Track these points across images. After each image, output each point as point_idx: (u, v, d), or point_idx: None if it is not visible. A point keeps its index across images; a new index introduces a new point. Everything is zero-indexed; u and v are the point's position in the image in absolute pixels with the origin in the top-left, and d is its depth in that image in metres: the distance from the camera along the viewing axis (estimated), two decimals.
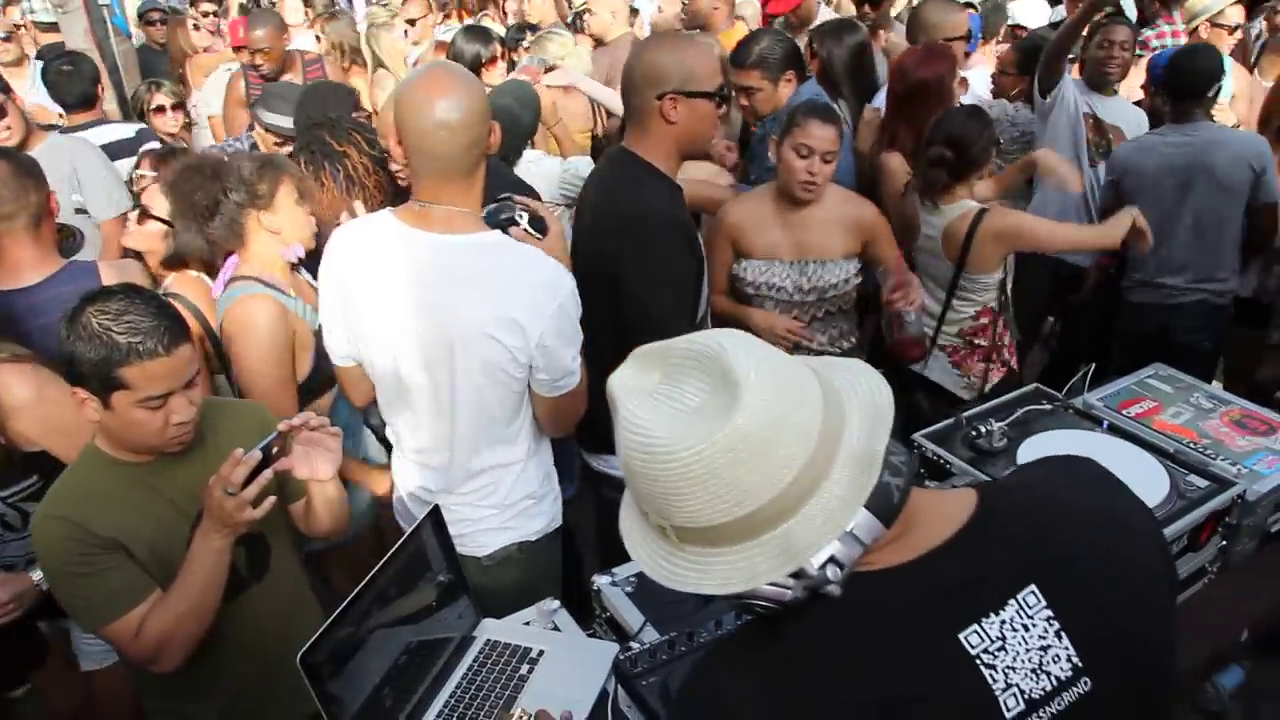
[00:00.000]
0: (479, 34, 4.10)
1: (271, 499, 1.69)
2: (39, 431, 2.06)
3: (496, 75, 3.81)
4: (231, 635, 1.84)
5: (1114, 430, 2.23)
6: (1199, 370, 3.31)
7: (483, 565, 2.08)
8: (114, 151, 3.75)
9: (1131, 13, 4.45)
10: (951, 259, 2.94)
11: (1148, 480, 2.04)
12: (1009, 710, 0.95)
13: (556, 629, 1.92)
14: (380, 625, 1.67)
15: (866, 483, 0.92)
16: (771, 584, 0.92)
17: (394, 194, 2.73)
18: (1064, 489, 1.11)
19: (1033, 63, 3.75)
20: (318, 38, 5.09)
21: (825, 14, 4.63)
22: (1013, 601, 0.97)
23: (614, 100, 3.34)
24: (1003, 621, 0.97)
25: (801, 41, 3.62)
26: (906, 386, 3.19)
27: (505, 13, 6.30)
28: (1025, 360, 4.00)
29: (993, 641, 0.96)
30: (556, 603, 1.97)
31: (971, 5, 4.56)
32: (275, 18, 4.69)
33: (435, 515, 1.84)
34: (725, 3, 4.52)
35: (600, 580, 1.91)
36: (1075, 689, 0.98)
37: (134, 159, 3.58)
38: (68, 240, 2.83)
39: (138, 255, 2.75)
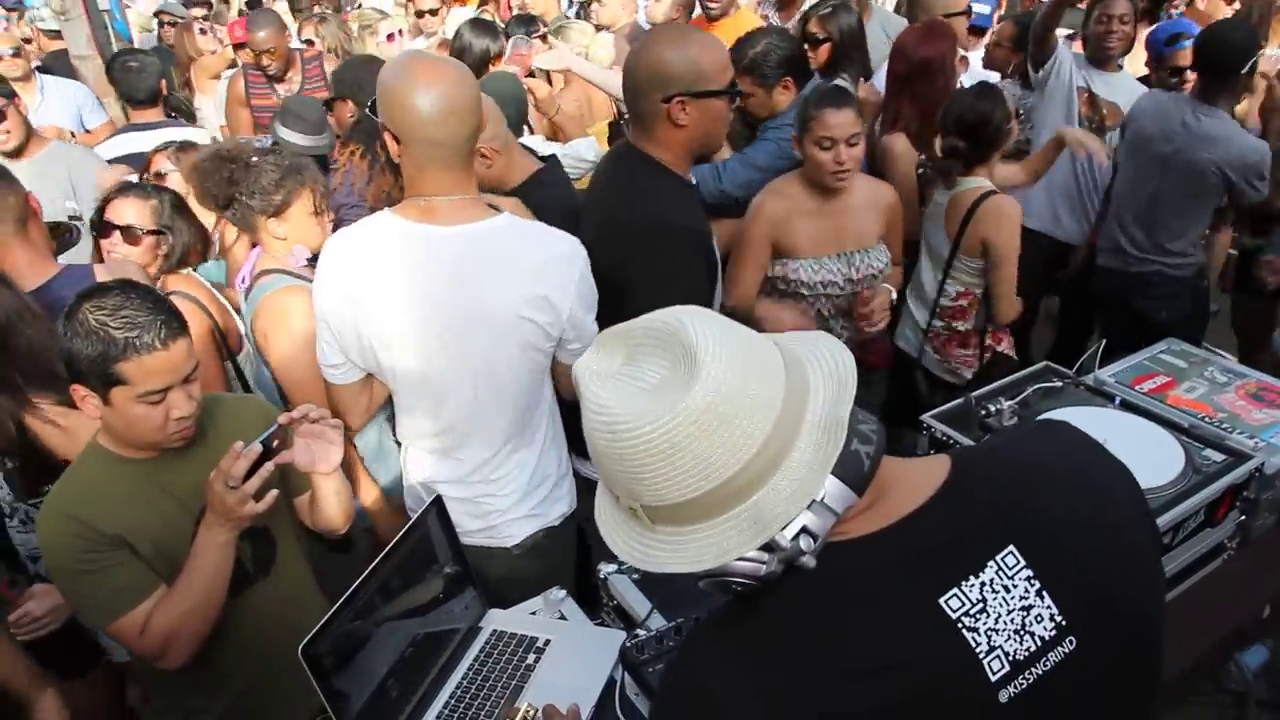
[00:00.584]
0: (487, 28, 4.07)
1: (274, 492, 1.68)
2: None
3: None
4: (238, 630, 1.83)
5: (1126, 406, 2.19)
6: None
7: (512, 555, 2.07)
8: None
9: None
10: (949, 233, 2.91)
11: (1162, 456, 2.00)
12: (994, 673, 0.93)
13: (563, 618, 1.90)
14: (385, 618, 1.66)
15: (833, 450, 0.91)
16: (746, 560, 0.91)
17: None
18: (1039, 452, 1.09)
19: (1028, 38, 3.71)
20: (310, 41, 5.07)
21: None
22: (992, 563, 0.96)
23: (614, 82, 3.28)
24: (983, 584, 0.95)
25: (790, 23, 3.56)
26: (908, 369, 3.18)
27: (510, 6, 6.27)
28: (1030, 339, 3.97)
29: (973, 604, 0.94)
30: (563, 592, 1.95)
31: None
32: (275, 18, 4.70)
33: (439, 506, 1.82)
34: None
35: (606, 569, 1.89)
36: (1060, 648, 0.96)
37: None
38: (65, 236, 2.82)
39: None
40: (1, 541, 2.23)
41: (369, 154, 2.92)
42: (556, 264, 1.89)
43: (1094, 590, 0.99)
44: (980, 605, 0.94)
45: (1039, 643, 0.95)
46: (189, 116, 4.44)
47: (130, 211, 2.58)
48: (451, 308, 1.85)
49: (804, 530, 0.90)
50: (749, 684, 0.93)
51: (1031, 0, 6.12)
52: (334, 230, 2.71)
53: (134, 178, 3.12)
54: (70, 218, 3.28)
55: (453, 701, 1.71)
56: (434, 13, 5.35)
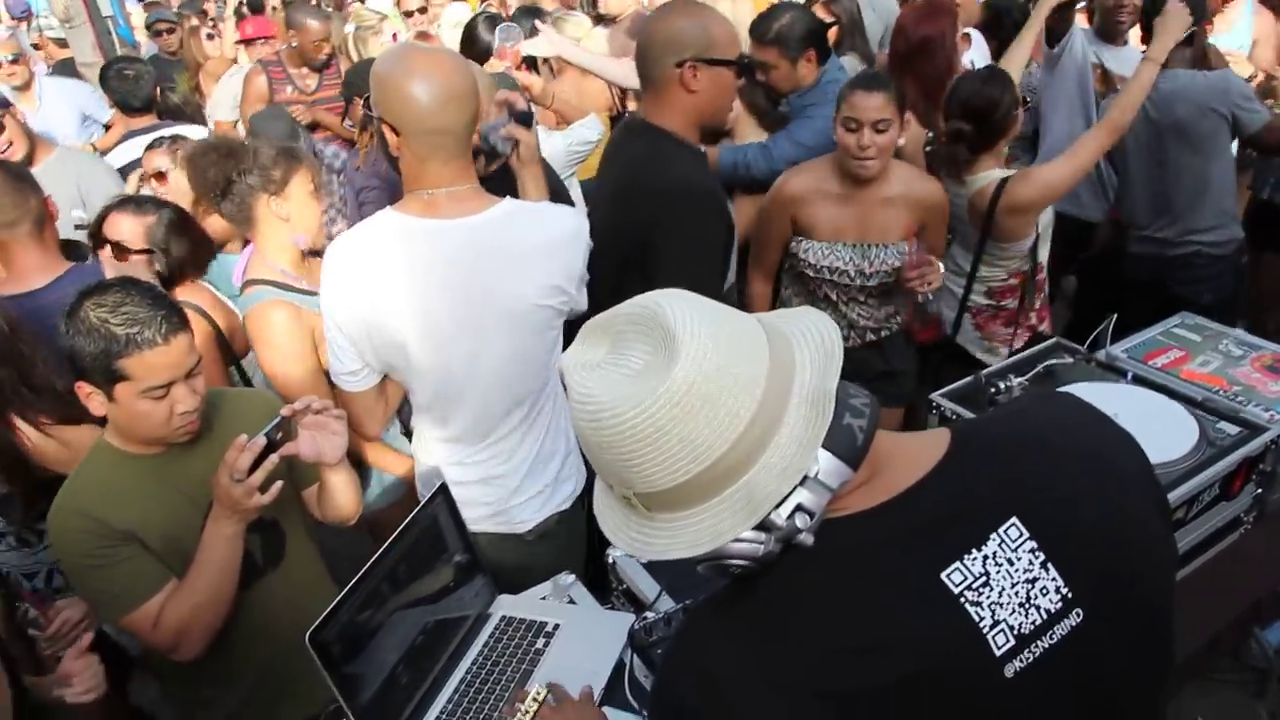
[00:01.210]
0: (494, 24, 4.11)
1: (279, 484, 1.68)
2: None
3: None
4: (250, 622, 1.84)
5: (1139, 381, 2.16)
6: None
7: (525, 541, 2.07)
8: None
9: None
10: (977, 227, 2.86)
11: (1175, 429, 1.97)
12: (999, 648, 0.92)
13: (573, 602, 1.90)
14: (394, 606, 1.66)
15: (822, 425, 0.90)
16: (743, 541, 0.89)
17: None
18: (1041, 423, 1.08)
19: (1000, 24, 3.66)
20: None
21: None
22: (994, 536, 0.94)
23: (609, 69, 3.26)
24: (985, 557, 0.93)
25: None
26: (953, 353, 3.14)
27: (506, 4, 6.26)
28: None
29: (976, 578, 0.92)
30: (572, 577, 1.95)
31: None
32: (316, 10, 4.73)
33: (444, 494, 1.82)
34: None
35: (615, 552, 1.89)
36: (1067, 621, 0.94)
37: None
38: (76, 252, 2.83)
39: None
40: None
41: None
42: (562, 246, 1.89)
43: (1100, 562, 0.97)
44: (983, 579, 0.92)
45: (1044, 615, 0.93)
46: (200, 121, 4.45)
47: (124, 227, 2.54)
48: (464, 302, 1.84)
49: (799, 508, 0.89)
50: (750, 664, 0.92)
51: None
52: (346, 217, 2.74)
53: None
54: (77, 227, 3.30)
55: (463, 687, 1.71)
56: (422, 11, 5.36)
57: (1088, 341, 2.34)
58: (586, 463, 2.24)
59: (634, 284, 2.16)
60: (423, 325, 1.87)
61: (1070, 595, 0.94)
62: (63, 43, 5.78)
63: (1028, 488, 0.98)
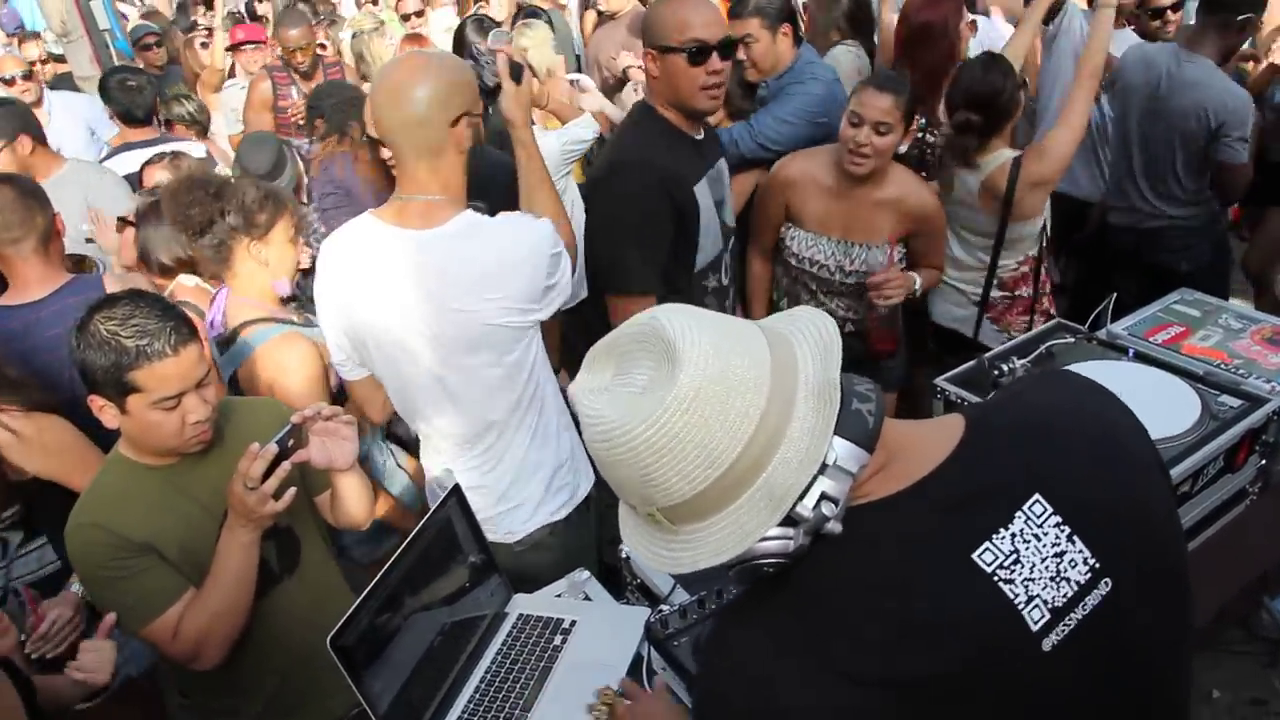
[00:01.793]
0: (482, 26, 4.13)
1: (293, 490, 1.70)
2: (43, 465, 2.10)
3: None
4: (269, 629, 1.86)
5: (1140, 358, 2.18)
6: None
7: (514, 551, 2.08)
8: None
9: None
10: (994, 212, 2.85)
11: (1178, 404, 1.99)
12: (1034, 623, 0.93)
13: (588, 599, 1.92)
14: (412, 608, 1.68)
15: (831, 413, 0.91)
16: (772, 539, 0.90)
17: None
18: (1052, 402, 1.10)
19: None
20: (322, 45, 5.11)
21: None
22: (1020, 513, 0.96)
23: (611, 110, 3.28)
24: (1013, 535, 0.95)
25: None
26: (955, 348, 3.15)
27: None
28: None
29: (1006, 556, 0.94)
30: (587, 573, 1.97)
31: None
32: (304, 15, 4.77)
33: (458, 495, 1.84)
34: None
35: (628, 548, 1.90)
36: (1097, 591, 0.96)
37: None
38: (89, 273, 2.86)
39: None
40: None
41: (344, 138, 3.03)
42: (517, 267, 1.86)
43: (1122, 532, 0.99)
44: (1014, 556, 0.94)
45: (1075, 587, 0.95)
46: (203, 129, 4.45)
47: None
48: (417, 315, 1.87)
49: (823, 497, 0.90)
50: (793, 659, 0.92)
51: None
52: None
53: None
54: (86, 240, 3.33)
55: (483, 686, 1.73)
56: (419, 15, 5.38)
57: (1089, 321, 2.35)
58: (598, 476, 2.26)
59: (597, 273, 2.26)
60: (380, 334, 1.92)
61: (1098, 566, 0.96)
62: (60, 59, 5.79)
63: (1047, 465, 0.99)
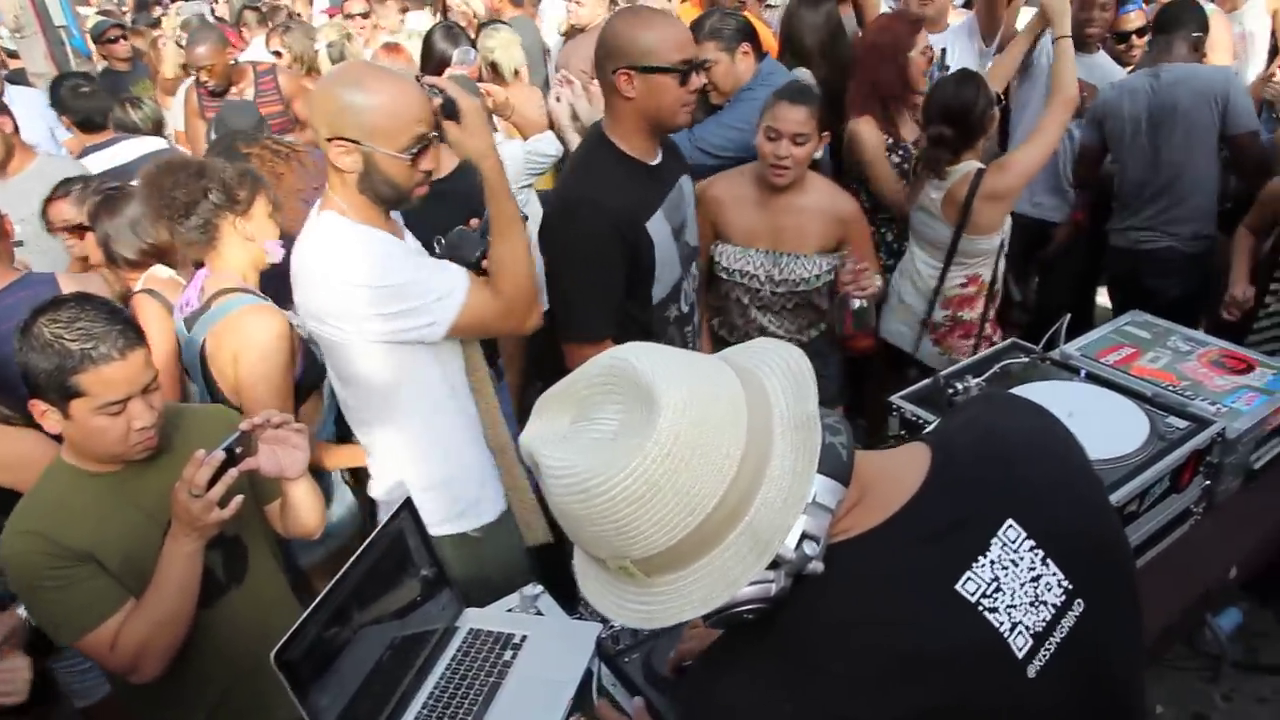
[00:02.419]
0: (449, 34, 4.14)
1: (239, 498, 1.67)
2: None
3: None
4: (213, 641, 1.82)
5: (1091, 378, 2.21)
6: (1175, 316, 3.31)
7: None
8: (141, 167, 3.77)
9: None
10: (951, 220, 2.90)
11: (1126, 424, 2.02)
12: (1019, 650, 0.93)
13: (540, 614, 1.90)
14: (361, 622, 1.66)
15: (813, 447, 0.89)
16: (754, 584, 0.87)
17: None
18: (1000, 420, 1.10)
19: None
20: (278, 52, 5.04)
21: None
22: (995, 540, 0.96)
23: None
24: (992, 562, 0.94)
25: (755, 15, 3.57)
26: (899, 364, 3.19)
27: (445, 7, 6.24)
28: (1007, 319, 4.00)
29: (988, 584, 0.93)
30: (539, 588, 1.95)
31: None
32: (213, 34, 4.66)
33: (410, 508, 1.82)
34: None
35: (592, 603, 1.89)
36: (1071, 612, 0.97)
37: None
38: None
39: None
40: None
41: None
42: (300, 280, 1.90)
43: (1088, 551, 1.00)
44: (994, 584, 0.93)
45: (1052, 611, 0.95)
46: (157, 126, 4.37)
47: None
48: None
49: (804, 536, 0.87)
50: (791, 708, 0.90)
51: None
52: None
53: None
54: (16, 244, 3.25)
55: (431, 701, 1.71)
56: (365, 16, 5.38)
57: (1043, 341, 2.38)
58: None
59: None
60: None
61: (1071, 587, 0.97)
62: (14, 54, 5.67)
63: (1014, 489, 1.00)
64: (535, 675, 1.71)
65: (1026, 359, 2.33)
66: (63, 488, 1.74)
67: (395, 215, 1.99)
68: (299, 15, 7.07)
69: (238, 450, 1.67)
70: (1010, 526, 0.96)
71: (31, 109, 4.63)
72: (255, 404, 2.22)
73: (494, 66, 3.88)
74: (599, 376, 0.89)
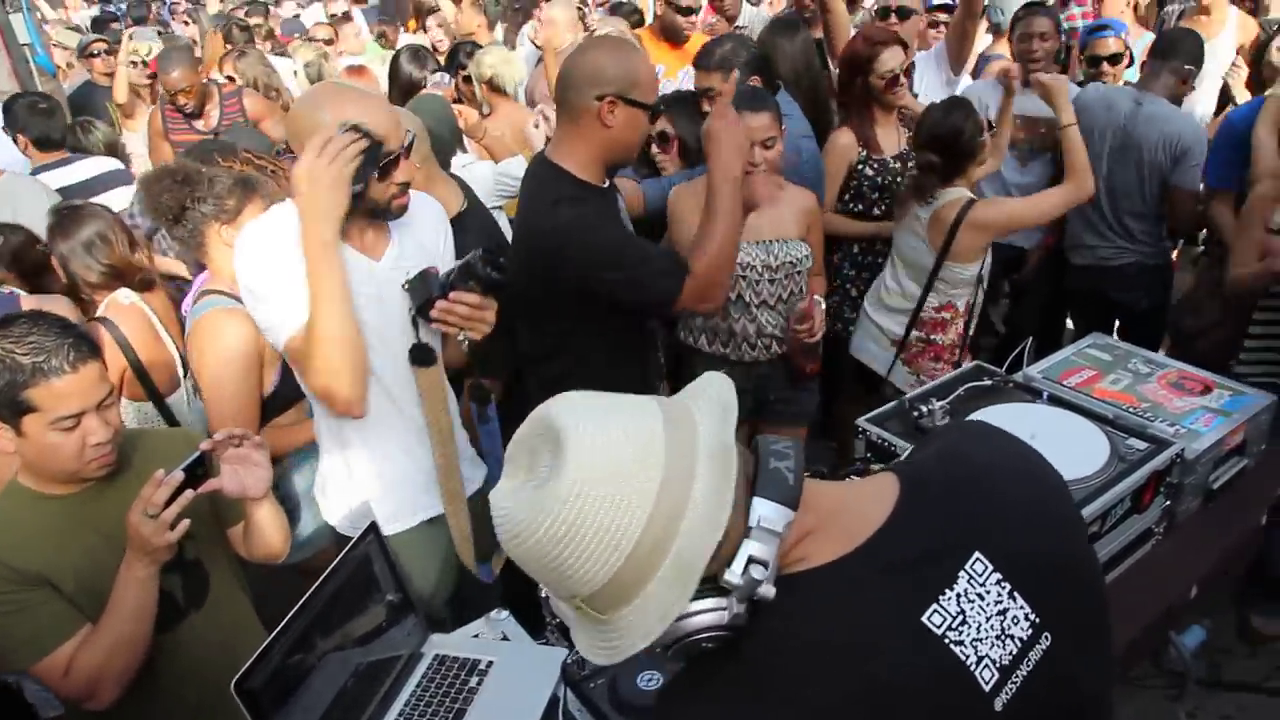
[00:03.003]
0: (417, 57, 4.18)
1: (186, 522, 1.63)
2: None
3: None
4: (172, 666, 1.79)
5: (1054, 400, 2.24)
6: (1145, 328, 3.37)
7: None
8: (94, 187, 3.75)
9: None
10: (934, 245, 2.94)
11: (1088, 446, 2.05)
12: (986, 683, 0.93)
13: (506, 639, 1.89)
14: (325, 648, 1.64)
15: (728, 470, 0.90)
16: (706, 612, 0.89)
17: None
18: (978, 457, 1.10)
19: None
20: (230, 77, 5.01)
21: (749, 11, 4.64)
22: (962, 573, 0.96)
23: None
24: (958, 595, 0.95)
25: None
26: (871, 384, 3.21)
27: (425, 28, 6.25)
28: (977, 344, 4.05)
29: (954, 617, 0.94)
30: (505, 613, 1.94)
31: None
32: (187, 55, 4.64)
33: (375, 531, 1.81)
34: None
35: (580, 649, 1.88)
36: (1039, 646, 0.97)
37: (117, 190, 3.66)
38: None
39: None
40: None
41: None
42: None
43: (1057, 585, 1.01)
44: (960, 617, 0.94)
45: (1019, 644, 0.96)
46: (110, 148, 4.33)
47: None
48: None
49: (751, 560, 0.88)
50: None
51: None
52: None
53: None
54: None
55: None
56: (329, 43, 5.47)
57: (1006, 363, 2.41)
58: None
59: (561, 326, 2.23)
60: None
61: (1038, 621, 0.97)
62: None
63: (984, 522, 1.00)
64: (501, 701, 1.70)
65: (990, 382, 2.35)
66: (16, 510, 1.71)
67: (394, 232, 1.98)
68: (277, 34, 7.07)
69: (199, 471, 1.66)
70: (978, 559, 0.97)
71: None
72: (213, 406, 2.25)
73: (491, 82, 3.89)
74: (535, 428, 0.93)
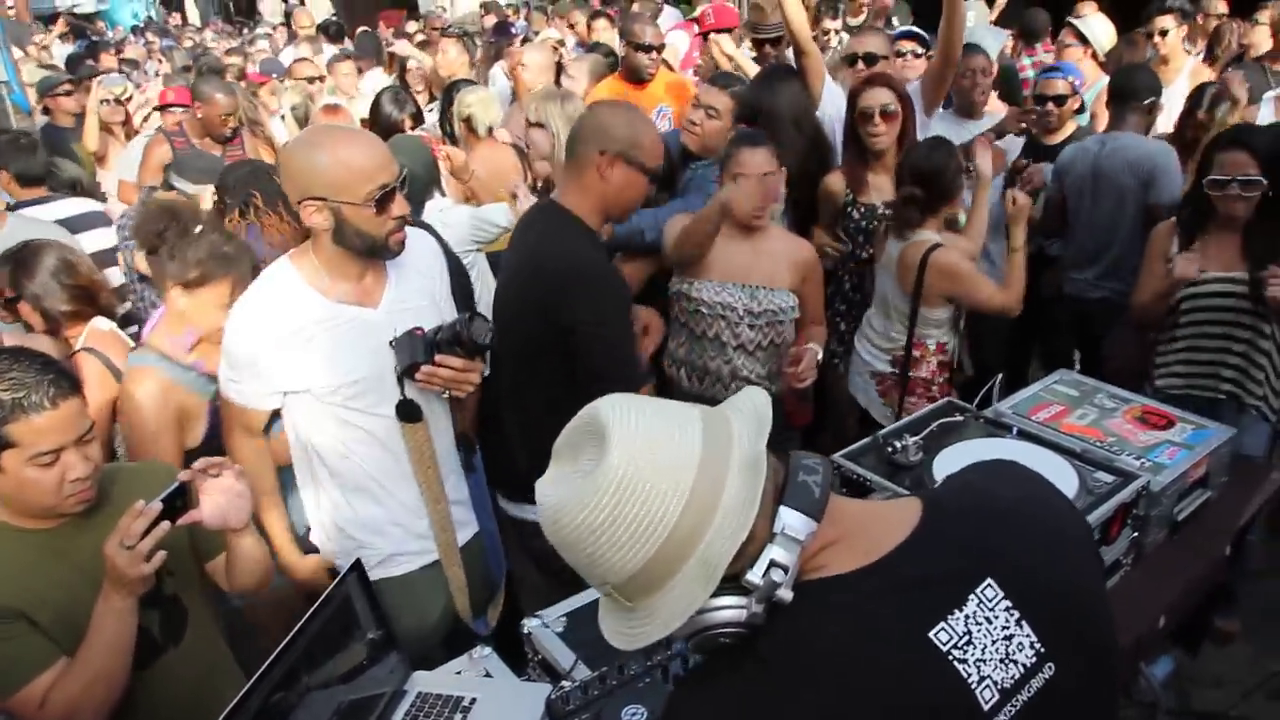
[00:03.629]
0: (397, 99, 4.27)
1: (162, 554, 1.62)
2: None
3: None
4: (148, 703, 1.77)
5: (1023, 435, 2.30)
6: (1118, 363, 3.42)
7: None
8: (74, 225, 3.76)
9: (994, 48, 4.65)
10: (905, 287, 3.02)
11: (1057, 480, 2.04)
12: (985, 702, 0.97)
13: (489, 675, 1.90)
14: (306, 688, 1.63)
15: (757, 482, 0.96)
16: (728, 608, 0.94)
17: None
18: (996, 486, 1.16)
19: None
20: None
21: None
22: (973, 596, 1.01)
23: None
24: (967, 616, 1.00)
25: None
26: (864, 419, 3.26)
27: (403, 69, 6.31)
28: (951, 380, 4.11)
29: (960, 636, 0.98)
30: (488, 649, 1.95)
31: None
32: (226, 83, 4.76)
33: (359, 570, 1.81)
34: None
35: (530, 623, 1.90)
36: (1042, 674, 1.01)
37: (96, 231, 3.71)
38: None
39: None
40: None
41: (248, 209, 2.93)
42: None
43: (1066, 619, 1.05)
44: (966, 637, 0.98)
45: (1022, 670, 1.00)
46: (73, 186, 4.33)
47: None
48: None
49: (772, 564, 0.94)
50: None
51: None
52: None
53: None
54: None
55: None
56: (313, 82, 5.67)
57: (977, 399, 2.47)
58: None
59: (549, 363, 2.28)
60: None
61: (1043, 650, 1.02)
62: None
63: (999, 552, 1.05)
64: None
65: (961, 417, 2.41)
66: None
67: (391, 273, 2.05)
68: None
69: (178, 503, 1.66)
70: (989, 585, 1.02)
71: None
72: (133, 458, 2.30)
73: (468, 121, 3.94)
74: (581, 424, 0.99)
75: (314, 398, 2.01)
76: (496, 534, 2.64)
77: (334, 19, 10.21)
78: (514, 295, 2.39)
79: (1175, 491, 2.19)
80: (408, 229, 2.00)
